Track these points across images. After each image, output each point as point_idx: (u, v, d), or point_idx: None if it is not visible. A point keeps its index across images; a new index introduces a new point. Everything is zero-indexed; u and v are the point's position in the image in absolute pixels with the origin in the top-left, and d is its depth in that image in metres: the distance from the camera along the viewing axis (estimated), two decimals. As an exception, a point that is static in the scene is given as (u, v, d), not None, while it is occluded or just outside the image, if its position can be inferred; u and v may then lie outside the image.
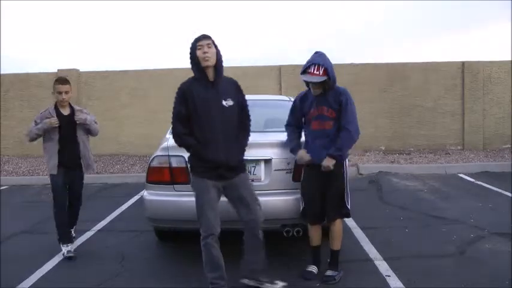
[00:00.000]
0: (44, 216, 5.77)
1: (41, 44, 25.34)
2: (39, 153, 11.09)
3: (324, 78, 3.35)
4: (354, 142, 3.49)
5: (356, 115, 3.48)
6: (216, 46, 3.16)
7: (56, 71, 11.03)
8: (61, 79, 4.26)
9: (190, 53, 3.15)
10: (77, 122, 4.23)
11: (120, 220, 5.59)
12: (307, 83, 3.51)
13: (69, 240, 4.28)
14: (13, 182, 8.41)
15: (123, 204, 6.36)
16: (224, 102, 3.17)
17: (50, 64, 30.34)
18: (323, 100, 3.45)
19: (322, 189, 3.48)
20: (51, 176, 4.20)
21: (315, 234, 3.61)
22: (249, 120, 3.38)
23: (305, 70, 3.42)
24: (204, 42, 3.10)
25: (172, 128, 3.28)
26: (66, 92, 4.19)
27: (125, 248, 4.45)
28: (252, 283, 3.31)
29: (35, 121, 4.20)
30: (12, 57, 23.14)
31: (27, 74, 11.19)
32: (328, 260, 3.61)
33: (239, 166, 3.26)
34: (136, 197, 6.64)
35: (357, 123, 3.46)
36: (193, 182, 3.26)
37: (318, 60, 3.39)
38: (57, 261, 4.12)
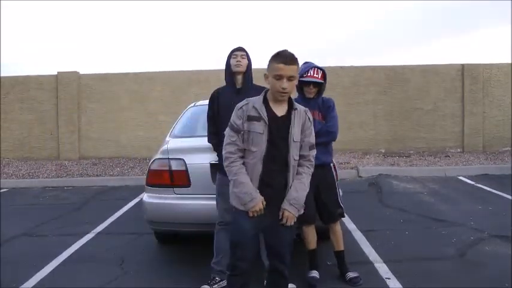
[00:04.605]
0: (43, 219, 5.78)
1: (41, 47, 25.41)
2: (38, 156, 11.24)
3: (322, 81, 3.56)
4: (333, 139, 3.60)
5: (337, 119, 3.63)
6: (249, 59, 3.43)
7: (56, 73, 11.07)
8: (286, 54, 2.43)
9: (226, 62, 3.44)
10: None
11: (119, 223, 5.59)
12: (301, 88, 3.62)
13: None
14: (13, 185, 8.41)
15: (122, 207, 6.36)
16: None
17: (50, 66, 30.37)
18: (314, 104, 3.57)
19: (313, 191, 3.50)
20: (237, 215, 2.48)
21: (311, 235, 3.63)
22: None
23: (303, 74, 3.56)
24: (239, 53, 3.41)
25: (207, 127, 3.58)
26: (291, 79, 2.43)
27: (124, 251, 4.45)
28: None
29: (238, 128, 2.48)
30: (12, 59, 23.21)
31: (27, 77, 11.19)
32: (337, 263, 3.65)
33: None
34: (136, 200, 6.64)
35: (337, 126, 3.59)
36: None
37: (316, 65, 3.60)
38: (57, 264, 4.11)
